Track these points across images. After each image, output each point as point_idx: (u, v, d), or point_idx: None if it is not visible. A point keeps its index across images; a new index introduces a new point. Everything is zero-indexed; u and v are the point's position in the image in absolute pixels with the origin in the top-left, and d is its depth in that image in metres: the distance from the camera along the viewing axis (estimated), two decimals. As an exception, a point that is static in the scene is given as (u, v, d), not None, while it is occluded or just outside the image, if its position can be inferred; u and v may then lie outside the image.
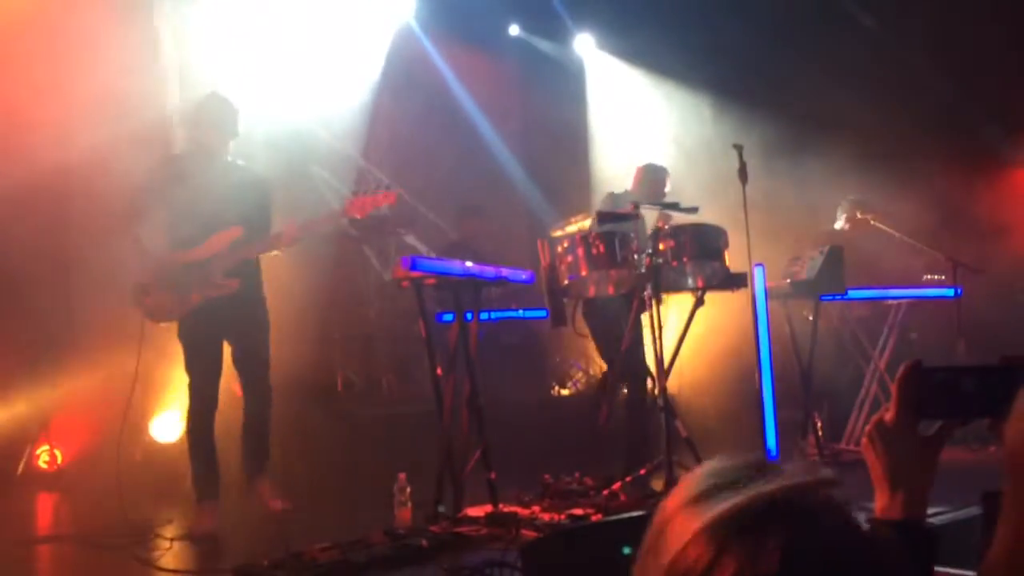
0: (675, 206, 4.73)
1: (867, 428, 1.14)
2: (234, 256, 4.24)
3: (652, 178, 5.40)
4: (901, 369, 1.11)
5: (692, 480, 0.81)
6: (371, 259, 6.51)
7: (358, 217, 4.19)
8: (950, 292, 5.66)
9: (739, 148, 4.80)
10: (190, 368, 4.31)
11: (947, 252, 5.65)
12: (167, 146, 5.04)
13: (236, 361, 4.44)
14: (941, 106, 6.98)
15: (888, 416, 1.11)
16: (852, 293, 5.62)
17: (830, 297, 5.48)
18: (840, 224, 6.35)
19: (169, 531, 4.22)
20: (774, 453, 4.57)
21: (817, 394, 5.79)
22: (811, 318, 5.62)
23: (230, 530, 4.20)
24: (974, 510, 2.91)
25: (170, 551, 3.93)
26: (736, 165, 4.80)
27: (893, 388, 1.12)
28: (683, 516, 0.78)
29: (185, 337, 4.30)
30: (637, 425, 4.96)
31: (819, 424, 5.56)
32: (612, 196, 5.25)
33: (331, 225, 4.57)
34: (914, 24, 7.01)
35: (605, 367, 5.41)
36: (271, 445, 4.57)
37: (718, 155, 6.42)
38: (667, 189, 5.38)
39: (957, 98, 6.92)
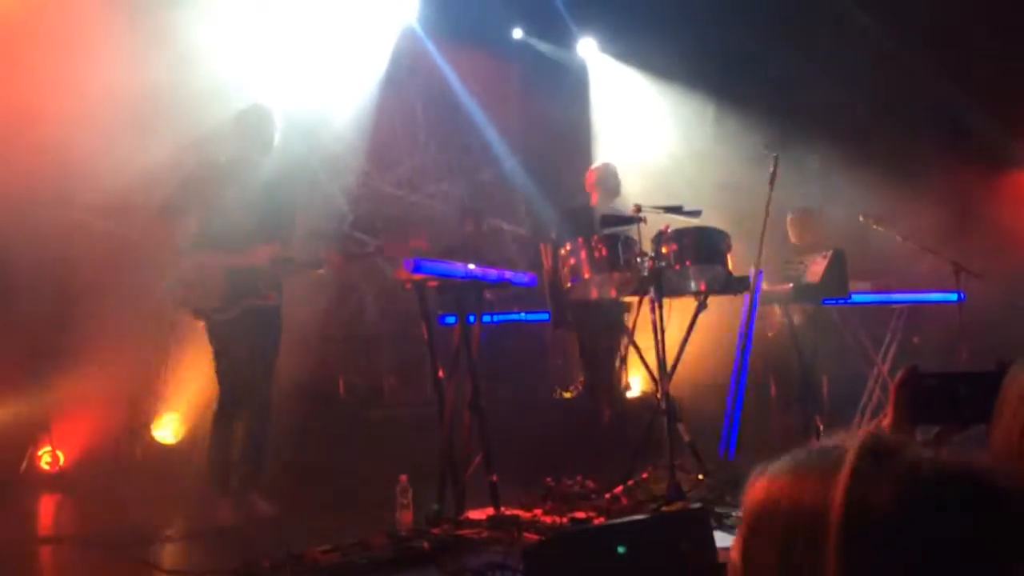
0: (678, 209, 4.72)
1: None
2: (275, 269, 4.41)
3: (606, 174, 5.46)
4: (898, 376, 1.11)
5: (774, 466, 0.80)
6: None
7: (393, 257, 4.35)
8: (953, 297, 5.65)
9: (775, 158, 4.88)
10: (223, 369, 4.40)
11: (950, 256, 5.64)
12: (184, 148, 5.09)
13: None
14: (943, 109, 6.98)
15: (885, 422, 1.11)
16: (855, 297, 5.61)
17: (833, 301, 5.47)
18: (791, 236, 6.34)
19: (170, 531, 4.23)
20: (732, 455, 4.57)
21: (820, 398, 5.78)
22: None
23: (230, 531, 4.19)
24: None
25: (171, 552, 3.93)
26: (738, 173, 4.83)
27: (890, 394, 1.12)
28: (785, 479, 0.75)
29: (216, 338, 4.39)
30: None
31: (821, 428, 5.55)
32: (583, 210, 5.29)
33: (369, 261, 4.67)
34: (915, 26, 7.01)
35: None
36: (271, 451, 4.60)
37: (720, 159, 6.42)
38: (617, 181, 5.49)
39: (959, 101, 6.92)
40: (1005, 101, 6.68)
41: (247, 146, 4.53)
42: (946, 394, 1.11)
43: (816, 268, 5.29)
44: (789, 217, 6.40)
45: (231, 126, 4.61)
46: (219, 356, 4.41)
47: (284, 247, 4.47)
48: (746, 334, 4.79)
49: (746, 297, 4.79)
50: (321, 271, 4.63)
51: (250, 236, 4.36)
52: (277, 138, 4.59)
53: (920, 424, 1.10)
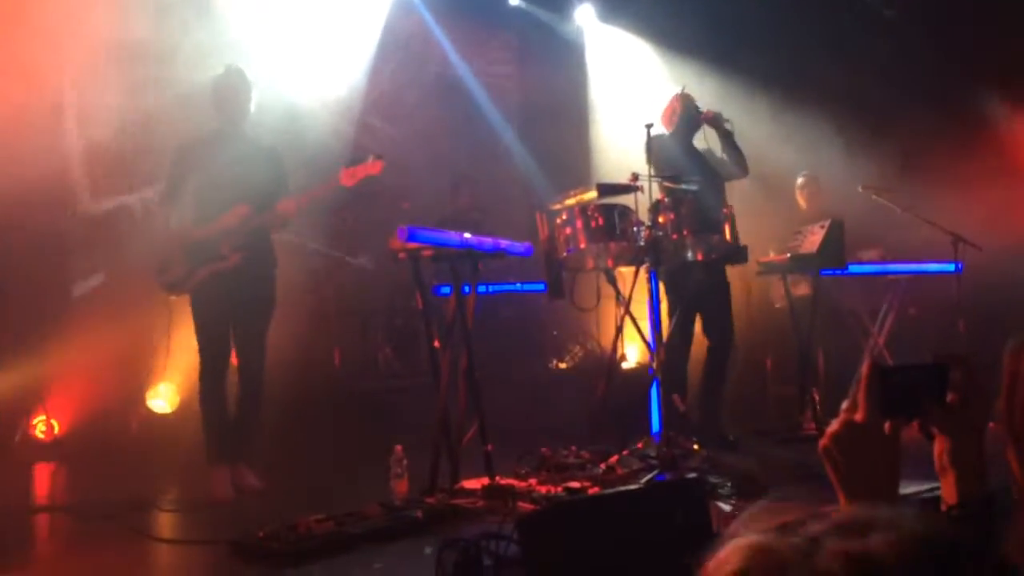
0: (676, 179, 4.68)
1: (831, 431, 1.11)
2: (244, 231, 4.34)
3: (681, 104, 5.27)
4: (864, 370, 1.11)
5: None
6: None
7: (349, 185, 4.29)
8: (950, 267, 5.62)
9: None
10: (201, 340, 4.41)
11: (948, 227, 5.60)
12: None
13: (236, 342, 4.48)
14: (939, 77, 6.90)
15: (859, 416, 1.10)
16: (852, 268, 5.58)
17: (830, 272, 5.44)
18: (798, 198, 6.38)
19: (165, 501, 4.23)
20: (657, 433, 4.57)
21: (816, 370, 5.78)
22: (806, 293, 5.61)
23: (225, 502, 4.20)
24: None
25: (166, 522, 3.94)
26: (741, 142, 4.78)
27: (860, 390, 1.11)
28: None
29: (197, 310, 4.40)
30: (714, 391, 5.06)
31: (817, 400, 5.55)
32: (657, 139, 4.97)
33: (326, 194, 4.60)
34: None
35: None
36: (267, 422, 4.59)
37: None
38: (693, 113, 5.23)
39: (957, 69, 6.83)
40: (1004, 68, 6.60)
41: (224, 116, 4.48)
42: (904, 387, 1.12)
43: (813, 238, 5.26)
44: (797, 183, 6.39)
45: (208, 96, 4.54)
46: (196, 325, 4.44)
47: (256, 209, 4.36)
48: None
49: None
50: (287, 224, 4.55)
51: (225, 206, 4.33)
52: (253, 101, 4.51)
53: (889, 418, 1.10)
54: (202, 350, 4.42)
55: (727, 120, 5.13)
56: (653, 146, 4.75)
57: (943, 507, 1.14)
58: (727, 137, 5.16)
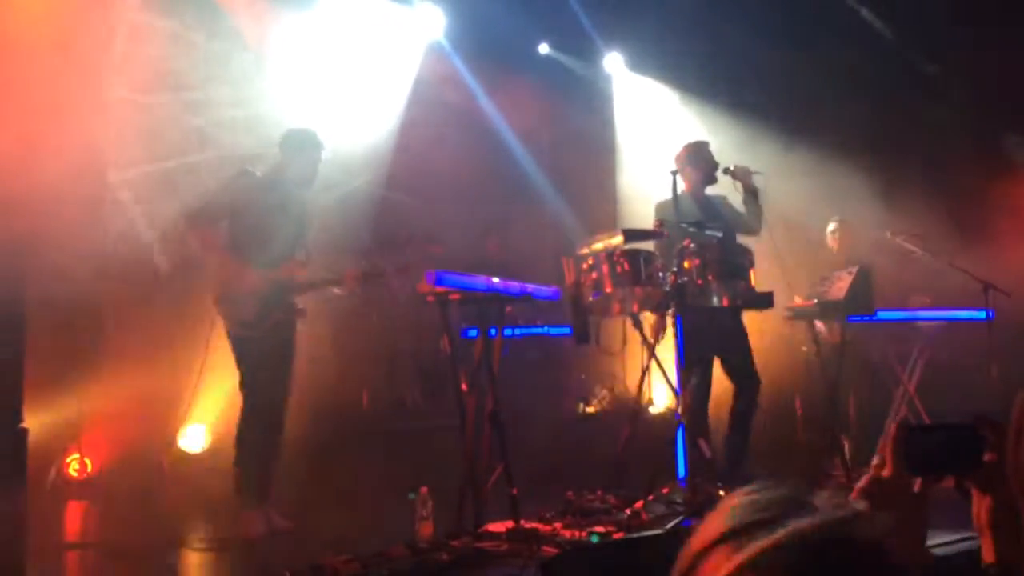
0: (700, 226, 4.72)
1: (859, 487, 1.13)
2: (303, 284, 4.51)
3: (696, 153, 5.31)
4: (891, 430, 1.14)
5: (727, 512, 0.81)
6: None
7: (397, 287, 4.53)
8: (982, 315, 5.57)
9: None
10: (253, 384, 4.43)
11: (978, 273, 5.57)
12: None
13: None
14: (964, 119, 6.91)
15: (886, 472, 1.12)
16: (881, 314, 5.56)
17: (858, 318, 5.42)
18: (829, 242, 6.40)
19: (196, 540, 4.28)
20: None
21: (846, 416, 5.73)
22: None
23: (253, 542, 4.24)
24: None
25: (196, 561, 3.98)
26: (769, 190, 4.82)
27: (888, 447, 1.13)
28: (719, 551, 0.78)
29: (256, 355, 4.42)
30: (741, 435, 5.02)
31: (846, 447, 5.50)
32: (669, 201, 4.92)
33: (389, 281, 4.68)
34: (936, 38, 6.97)
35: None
36: (294, 462, 4.65)
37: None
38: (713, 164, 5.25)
39: (980, 109, 6.84)
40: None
41: (285, 172, 4.60)
42: (943, 445, 1.14)
43: (841, 284, 5.26)
44: (829, 228, 6.40)
45: (277, 147, 4.66)
46: (247, 368, 4.44)
47: (305, 264, 4.54)
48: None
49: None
50: (337, 290, 4.67)
51: (276, 253, 4.44)
52: (318, 171, 4.64)
53: (918, 475, 1.12)
54: (254, 393, 4.41)
55: (757, 172, 5.13)
56: (671, 203, 4.81)
57: (982, 565, 1.14)
58: (752, 193, 5.17)
